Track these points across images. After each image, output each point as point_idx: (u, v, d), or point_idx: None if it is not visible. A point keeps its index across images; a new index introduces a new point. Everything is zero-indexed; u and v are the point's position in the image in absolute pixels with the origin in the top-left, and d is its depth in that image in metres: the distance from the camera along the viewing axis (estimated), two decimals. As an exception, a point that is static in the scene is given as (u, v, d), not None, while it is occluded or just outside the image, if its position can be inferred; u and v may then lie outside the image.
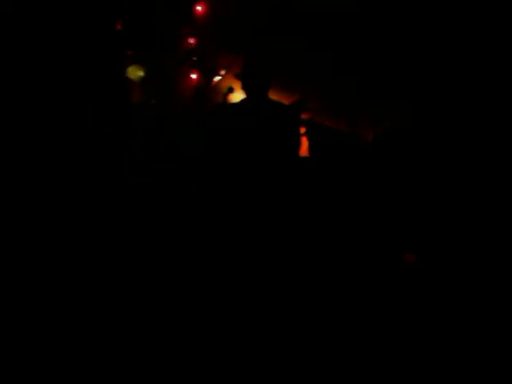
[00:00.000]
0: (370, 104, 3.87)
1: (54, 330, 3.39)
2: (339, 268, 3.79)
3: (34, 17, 3.89)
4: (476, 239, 3.69)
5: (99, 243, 3.72)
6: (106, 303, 3.57)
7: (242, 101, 3.86)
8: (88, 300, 3.54)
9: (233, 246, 3.80)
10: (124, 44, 4.08)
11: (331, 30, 3.80)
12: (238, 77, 4.07)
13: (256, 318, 3.60)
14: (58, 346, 3.33)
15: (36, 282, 3.50)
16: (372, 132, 3.94)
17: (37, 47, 3.88)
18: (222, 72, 4.19)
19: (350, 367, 3.47)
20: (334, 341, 3.55)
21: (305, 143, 4.05)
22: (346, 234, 3.88)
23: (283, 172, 3.88)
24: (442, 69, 3.70)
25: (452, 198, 3.78)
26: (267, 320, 3.60)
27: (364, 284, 3.72)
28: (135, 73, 4.10)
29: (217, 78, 4.21)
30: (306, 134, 4.08)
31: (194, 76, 4.21)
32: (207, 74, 4.20)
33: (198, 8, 4.21)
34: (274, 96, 3.93)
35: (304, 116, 4.09)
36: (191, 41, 4.21)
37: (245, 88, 3.75)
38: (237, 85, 4.10)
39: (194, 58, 4.17)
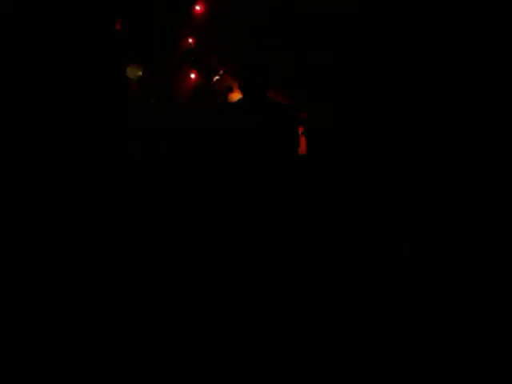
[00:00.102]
0: (369, 104, 3.87)
1: (53, 330, 3.37)
2: (338, 265, 3.79)
3: (33, 16, 3.87)
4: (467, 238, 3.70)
5: (99, 243, 3.71)
6: (106, 303, 3.55)
7: (241, 100, 3.86)
8: (88, 299, 3.53)
9: (232, 245, 3.80)
10: (123, 44, 4.07)
11: (331, 30, 3.80)
12: (236, 77, 4.07)
13: (256, 317, 3.59)
14: (57, 345, 3.32)
15: (36, 282, 3.48)
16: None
17: (36, 47, 3.86)
18: (221, 72, 4.19)
19: (349, 367, 3.47)
20: (334, 340, 3.54)
21: (303, 142, 4.06)
22: (344, 233, 3.88)
23: (282, 171, 3.88)
24: (442, 69, 3.71)
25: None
26: (267, 319, 3.59)
27: (364, 283, 3.72)
28: (134, 72, 4.09)
29: (215, 78, 4.20)
30: (304, 133, 4.08)
31: (192, 76, 4.20)
32: (206, 74, 4.19)
33: (197, 8, 4.20)
34: (272, 96, 3.94)
35: (302, 116, 4.09)
36: (190, 40, 4.20)
37: (243, 88, 3.75)
38: (235, 85, 4.10)
39: (193, 58, 4.16)
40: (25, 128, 3.80)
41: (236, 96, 4.09)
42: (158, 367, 3.38)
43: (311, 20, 3.84)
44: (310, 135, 4.00)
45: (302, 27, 3.91)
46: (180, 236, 3.83)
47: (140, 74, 4.09)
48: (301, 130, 4.03)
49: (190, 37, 4.18)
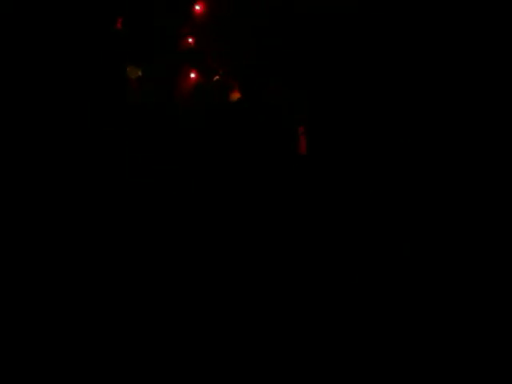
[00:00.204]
0: (369, 104, 3.86)
1: (53, 330, 3.38)
2: (337, 265, 3.80)
3: (32, 15, 3.86)
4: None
5: (98, 243, 3.71)
6: (106, 303, 3.56)
7: (241, 100, 3.87)
8: (87, 299, 3.53)
9: (231, 245, 3.80)
10: (123, 43, 4.06)
11: (331, 30, 3.79)
12: (236, 76, 4.07)
13: (255, 318, 3.60)
14: (57, 345, 3.33)
15: (36, 282, 3.48)
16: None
17: (35, 45, 3.86)
18: (221, 71, 4.18)
19: (349, 367, 3.48)
20: (334, 340, 3.56)
21: (303, 142, 4.05)
22: (344, 233, 3.88)
23: (281, 171, 3.88)
24: (443, 69, 3.71)
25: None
26: (266, 319, 3.60)
27: (363, 283, 3.72)
28: (134, 72, 4.08)
29: (215, 78, 4.19)
30: (304, 133, 4.07)
31: (192, 75, 4.20)
32: (206, 74, 4.18)
33: (197, 8, 4.19)
34: (271, 95, 3.94)
35: (302, 116, 4.09)
36: (190, 40, 4.19)
37: (243, 88, 3.75)
38: (236, 84, 4.10)
39: (193, 58, 4.15)
40: (23, 127, 3.80)
41: (236, 96, 4.09)
42: (158, 367, 3.39)
43: (311, 20, 3.84)
44: (310, 135, 4.00)
45: (302, 27, 3.90)
46: (179, 236, 3.83)
47: (140, 73, 4.08)
48: (301, 130, 4.03)
49: (190, 36, 4.18)
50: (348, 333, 3.57)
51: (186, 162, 4.01)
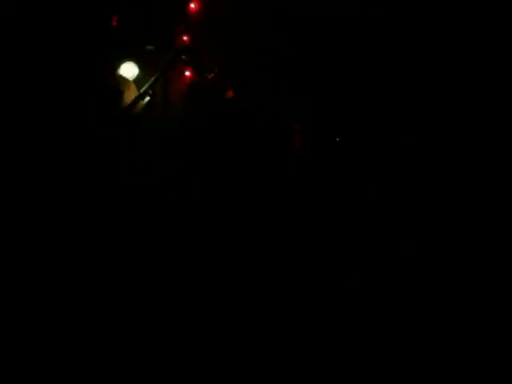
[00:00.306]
0: (368, 104, 3.92)
1: (53, 330, 3.23)
2: (337, 265, 3.79)
3: (31, 14, 3.75)
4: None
5: (98, 243, 3.58)
6: (106, 303, 3.43)
7: (236, 99, 3.86)
8: (87, 300, 3.39)
9: (231, 244, 3.75)
10: (119, 41, 3.99)
11: (331, 30, 3.85)
12: (231, 75, 4.07)
13: (254, 318, 3.54)
14: (57, 345, 3.18)
15: (35, 282, 3.32)
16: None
17: (33, 44, 3.74)
18: (216, 70, 4.16)
19: (349, 367, 3.45)
20: (334, 340, 3.53)
21: (300, 141, 4.07)
22: (343, 233, 3.89)
23: (278, 170, 3.88)
24: (443, 69, 3.80)
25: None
26: (265, 319, 3.54)
27: (363, 283, 3.72)
28: (129, 70, 4.01)
29: (210, 76, 4.17)
30: (300, 132, 4.09)
31: (187, 73, 4.16)
32: (201, 72, 4.15)
33: (192, 6, 4.19)
34: (268, 95, 3.95)
35: (300, 115, 4.11)
36: (185, 38, 4.17)
37: (239, 87, 3.75)
38: (231, 83, 4.09)
39: (188, 56, 4.12)
40: (22, 127, 3.65)
41: (230, 94, 4.08)
42: (158, 367, 3.30)
43: (311, 20, 3.89)
44: (308, 135, 4.02)
45: (300, 27, 3.95)
46: (179, 236, 3.75)
47: (135, 71, 4.01)
48: (296, 128, 4.04)
49: (185, 34, 4.15)
50: (346, 333, 3.54)
51: (182, 160, 3.94)
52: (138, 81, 3.99)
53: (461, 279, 3.65)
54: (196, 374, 3.30)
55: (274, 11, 3.94)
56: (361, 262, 3.78)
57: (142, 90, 3.85)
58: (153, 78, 3.86)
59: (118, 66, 3.97)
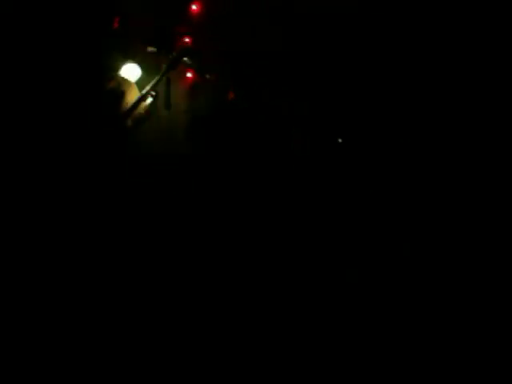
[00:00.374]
0: (368, 104, 3.91)
1: (53, 330, 3.26)
2: (336, 264, 3.78)
3: (32, 15, 3.79)
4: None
5: (97, 243, 3.60)
6: (106, 302, 3.45)
7: (237, 100, 3.86)
8: (87, 300, 3.42)
9: (230, 244, 3.75)
10: (120, 42, 4.02)
11: (331, 30, 3.84)
12: (232, 76, 4.08)
13: (254, 317, 3.54)
14: (57, 345, 3.21)
15: (35, 282, 3.35)
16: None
17: (34, 45, 3.78)
18: (218, 71, 4.18)
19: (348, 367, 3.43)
20: (333, 340, 3.51)
21: (300, 141, 4.07)
22: (343, 233, 3.88)
23: (277, 169, 3.88)
24: (442, 69, 3.78)
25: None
26: (265, 319, 3.54)
27: (360, 282, 3.71)
28: (132, 71, 4.03)
29: (212, 77, 4.19)
30: (298, 132, 4.09)
31: (189, 75, 4.18)
32: (202, 74, 4.17)
33: (194, 7, 4.20)
34: (268, 95, 3.96)
35: (299, 115, 4.11)
36: (187, 40, 4.18)
37: (239, 87, 3.75)
38: (232, 84, 4.10)
39: (190, 57, 4.14)
40: (21, 127, 3.69)
41: (231, 96, 4.09)
42: (158, 367, 3.30)
43: (311, 20, 3.88)
44: (308, 135, 4.01)
45: (302, 27, 3.94)
46: (179, 236, 3.76)
47: (139, 73, 4.03)
48: (295, 129, 4.04)
49: (187, 36, 4.16)
50: (346, 333, 3.53)
51: (182, 159, 3.96)
52: (139, 82, 4.01)
53: (461, 279, 3.62)
54: (196, 374, 3.30)
55: (274, 11, 3.94)
56: (360, 262, 3.76)
57: (143, 91, 3.89)
58: (154, 80, 3.90)
59: (119, 67, 3.99)
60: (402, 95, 3.86)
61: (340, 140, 3.92)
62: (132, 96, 4.01)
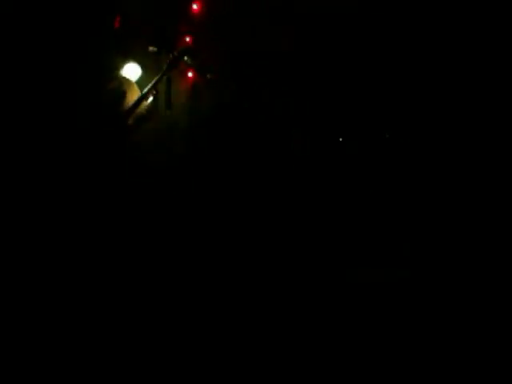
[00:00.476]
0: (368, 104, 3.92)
1: (53, 330, 3.27)
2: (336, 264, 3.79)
3: (32, 14, 3.80)
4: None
5: (97, 243, 3.62)
6: (106, 303, 3.47)
7: (237, 100, 3.87)
8: (87, 300, 3.43)
9: (230, 244, 3.76)
10: (121, 42, 4.02)
11: (331, 30, 3.85)
12: (232, 76, 4.08)
13: (254, 318, 3.55)
14: (57, 345, 3.22)
15: (36, 282, 3.37)
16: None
17: (34, 45, 3.78)
18: (218, 70, 4.18)
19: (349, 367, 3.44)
20: (333, 340, 3.52)
21: (299, 141, 4.07)
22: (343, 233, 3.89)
23: (277, 168, 3.89)
24: (442, 69, 3.78)
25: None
26: (265, 319, 3.55)
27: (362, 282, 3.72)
28: (133, 71, 4.03)
29: (213, 77, 4.19)
30: (298, 132, 4.09)
31: (190, 74, 4.19)
32: (203, 73, 4.18)
33: (194, 7, 4.20)
34: (268, 95, 3.96)
35: (298, 114, 4.11)
36: (187, 39, 4.19)
37: (238, 87, 3.76)
38: (231, 84, 4.11)
39: (190, 57, 4.14)
40: (20, 127, 3.70)
41: (231, 95, 4.10)
42: (158, 367, 3.32)
43: (311, 20, 3.88)
44: (308, 135, 4.02)
45: (302, 27, 3.95)
46: (178, 236, 3.78)
47: (139, 72, 4.04)
48: (294, 128, 4.05)
49: (188, 35, 4.17)
50: (346, 333, 3.54)
51: (183, 159, 3.97)
52: (140, 81, 4.02)
53: (461, 279, 3.63)
54: (196, 374, 3.31)
55: (275, 11, 3.94)
56: (361, 261, 3.77)
57: (144, 91, 3.90)
58: (155, 79, 3.91)
59: (121, 66, 4.00)
60: (402, 95, 3.86)
61: (340, 139, 3.93)
62: (133, 95, 4.01)
